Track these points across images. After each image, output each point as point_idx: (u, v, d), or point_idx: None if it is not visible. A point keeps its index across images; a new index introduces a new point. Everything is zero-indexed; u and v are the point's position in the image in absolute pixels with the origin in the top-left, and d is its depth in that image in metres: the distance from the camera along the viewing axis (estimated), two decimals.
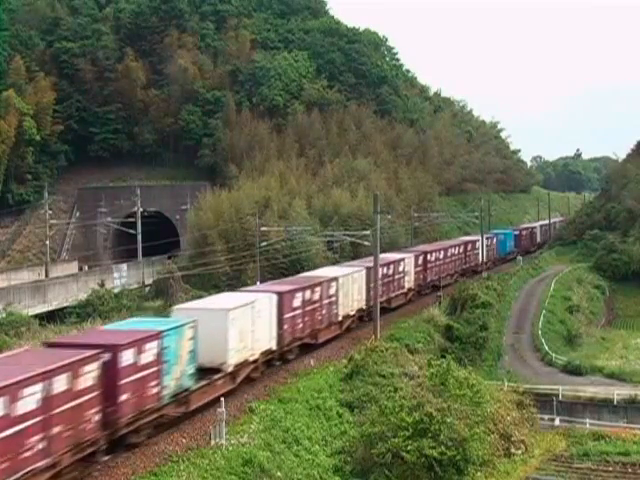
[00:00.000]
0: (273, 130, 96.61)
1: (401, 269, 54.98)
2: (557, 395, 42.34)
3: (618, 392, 42.37)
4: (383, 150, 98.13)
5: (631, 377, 46.70)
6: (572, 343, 58.75)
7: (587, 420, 40.16)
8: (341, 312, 43.84)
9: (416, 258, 59.30)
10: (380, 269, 44.77)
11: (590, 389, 43.72)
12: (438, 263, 64.54)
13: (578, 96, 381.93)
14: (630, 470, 32.47)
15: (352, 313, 46.04)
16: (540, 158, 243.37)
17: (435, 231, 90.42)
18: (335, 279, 43.23)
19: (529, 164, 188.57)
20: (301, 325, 38.25)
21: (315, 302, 40.11)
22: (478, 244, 76.48)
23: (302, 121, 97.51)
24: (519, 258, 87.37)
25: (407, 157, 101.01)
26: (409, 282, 57.12)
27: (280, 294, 36.11)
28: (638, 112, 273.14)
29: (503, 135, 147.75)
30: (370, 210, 54.89)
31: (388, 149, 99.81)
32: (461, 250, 72.42)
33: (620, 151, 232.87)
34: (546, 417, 40.21)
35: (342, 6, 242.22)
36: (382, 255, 50.57)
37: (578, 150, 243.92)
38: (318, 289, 40.66)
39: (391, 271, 52.27)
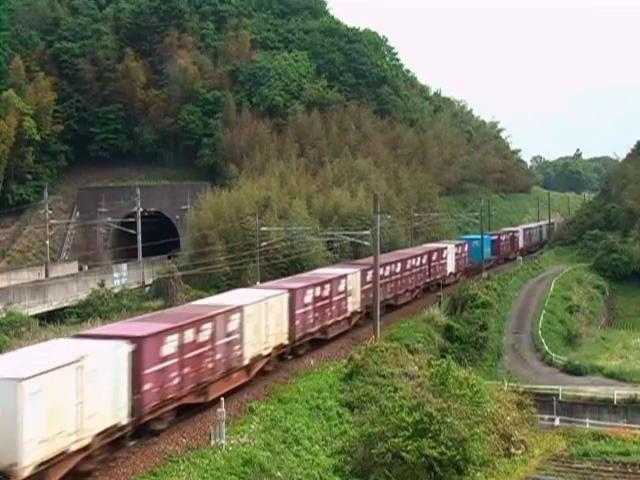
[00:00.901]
0: (273, 130, 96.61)
1: (342, 288, 44.52)
2: (557, 395, 42.36)
3: (618, 392, 42.38)
4: (383, 150, 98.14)
5: (631, 377, 46.72)
6: (572, 343, 58.79)
7: (587, 420, 40.19)
8: (248, 354, 32.97)
9: (363, 274, 47.95)
10: (311, 290, 39.80)
11: (590, 389, 43.73)
12: (394, 278, 53.74)
13: (578, 96, 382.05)
14: (630, 470, 32.46)
15: (266, 352, 34.93)
16: (540, 158, 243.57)
17: (435, 231, 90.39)
18: (238, 309, 32.32)
19: (529, 164, 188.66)
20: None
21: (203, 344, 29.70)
22: (446, 253, 67.13)
23: (302, 121, 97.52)
24: (519, 258, 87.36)
25: (407, 157, 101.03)
26: (354, 304, 46.54)
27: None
28: (638, 112, 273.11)
29: (503, 135, 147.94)
30: (370, 210, 54.90)
31: (388, 149, 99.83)
32: (424, 261, 61.17)
33: (620, 151, 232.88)
34: (546, 417, 40.23)
35: (342, 6, 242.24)
36: (317, 271, 48.27)
37: (578, 150, 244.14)
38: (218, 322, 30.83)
39: (326, 292, 42.23)
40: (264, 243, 62.49)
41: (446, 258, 66.80)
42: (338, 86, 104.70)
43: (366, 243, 53.25)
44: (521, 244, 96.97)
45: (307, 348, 39.86)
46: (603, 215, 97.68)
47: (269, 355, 34.96)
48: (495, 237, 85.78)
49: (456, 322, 52.35)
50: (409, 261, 57.64)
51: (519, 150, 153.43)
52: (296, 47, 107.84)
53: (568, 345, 58.16)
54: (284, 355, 37.27)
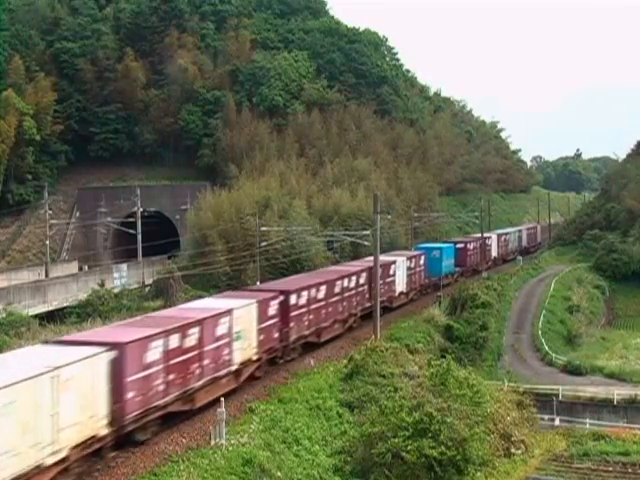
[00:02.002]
0: (273, 130, 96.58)
1: (225, 330, 30.25)
2: (557, 395, 42.38)
3: (618, 392, 42.40)
4: (383, 150, 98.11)
5: (631, 377, 46.77)
6: (572, 343, 58.82)
7: (587, 420, 40.21)
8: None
9: (262, 306, 33.88)
10: (173, 337, 26.72)
11: (590, 389, 43.74)
12: (315, 307, 40.33)
13: (578, 96, 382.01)
14: (630, 470, 32.48)
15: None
16: (540, 158, 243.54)
17: (435, 231, 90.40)
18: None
19: (529, 164, 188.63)
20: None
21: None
22: (394, 268, 53.51)
23: (302, 121, 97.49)
24: (519, 258, 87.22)
25: (407, 157, 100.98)
26: (246, 350, 32.13)
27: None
28: (638, 112, 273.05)
29: (503, 135, 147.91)
30: (370, 210, 54.89)
31: (388, 149, 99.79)
32: (362, 280, 47.62)
33: (620, 151, 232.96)
34: (546, 417, 40.25)
35: (342, 6, 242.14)
36: (184, 307, 33.51)
37: (578, 150, 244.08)
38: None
39: (193, 341, 27.94)
40: (264, 243, 62.47)
41: (394, 275, 53.17)
42: (338, 86, 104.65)
43: (366, 243, 53.24)
44: (494, 252, 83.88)
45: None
46: (603, 215, 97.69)
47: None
48: (460, 245, 72.80)
49: (456, 322, 52.35)
50: (338, 282, 44.03)
51: (519, 150, 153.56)
52: (296, 47, 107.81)
53: (568, 345, 58.18)
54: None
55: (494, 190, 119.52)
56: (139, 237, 74.95)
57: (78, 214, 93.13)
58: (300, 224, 67.46)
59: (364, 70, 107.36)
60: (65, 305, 59.52)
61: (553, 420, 40.53)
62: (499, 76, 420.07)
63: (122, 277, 69.75)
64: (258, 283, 53.69)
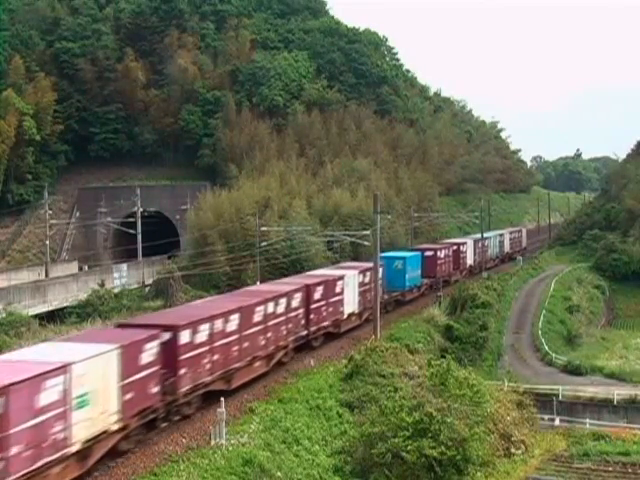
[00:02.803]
0: (273, 130, 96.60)
1: (54, 397, 20.95)
2: (557, 395, 42.37)
3: (618, 392, 42.39)
4: (383, 150, 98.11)
5: (631, 377, 46.78)
6: (572, 343, 58.83)
7: (587, 420, 40.19)
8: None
9: (129, 352, 24.50)
10: None
11: (590, 389, 43.74)
12: (220, 344, 29.97)
13: (578, 96, 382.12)
14: (630, 470, 32.48)
15: None
16: (540, 158, 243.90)
17: (435, 231, 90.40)
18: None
19: (529, 164, 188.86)
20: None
21: None
22: (341, 285, 43.86)
23: (302, 121, 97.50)
24: (519, 258, 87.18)
25: (407, 157, 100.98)
26: (97, 420, 22.92)
27: None
28: (638, 112, 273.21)
29: (503, 135, 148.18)
30: (370, 210, 54.86)
31: (388, 149, 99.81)
32: (295, 303, 37.68)
33: (620, 151, 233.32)
34: (546, 417, 40.23)
35: (342, 6, 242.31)
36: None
37: (578, 150, 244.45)
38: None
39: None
40: (264, 243, 62.46)
41: (342, 293, 43.91)
42: (338, 86, 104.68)
43: (366, 243, 53.16)
44: (470, 260, 74.62)
45: None
46: (603, 215, 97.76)
47: None
48: (429, 253, 63.26)
49: (456, 322, 52.34)
50: (259, 309, 33.78)
51: (519, 150, 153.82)
52: (296, 47, 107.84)
53: (568, 345, 58.19)
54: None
55: (494, 190, 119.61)
56: (139, 237, 74.94)
57: (78, 214, 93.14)
58: (300, 224, 67.45)
59: (364, 70, 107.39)
60: (65, 305, 59.51)
61: (553, 420, 40.52)
62: (499, 76, 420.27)
63: (122, 277, 69.75)
64: (258, 283, 53.67)
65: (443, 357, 39.41)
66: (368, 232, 50.12)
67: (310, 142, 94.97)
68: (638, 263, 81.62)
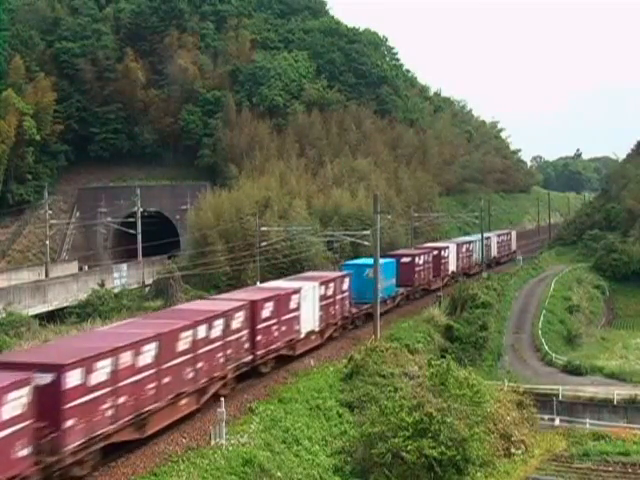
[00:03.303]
0: (273, 130, 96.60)
1: None
2: (557, 395, 42.37)
3: (618, 392, 42.39)
4: (383, 150, 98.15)
5: (631, 377, 46.79)
6: (572, 343, 58.84)
7: (587, 420, 40.19)
8: None
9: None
10: None
11: (590, 389, 43.74)
12: (128, 383, 23.94)
13: (578, 96, 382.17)
14: (630, 470, 32.48)
15: None
16: (540, 158, 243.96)
17: (435, 231, 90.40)
18: None
19: (529, 164, 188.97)
20: None
21: None
22: (297, 300, 37.57)
23: (302, 121, 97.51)
24: (519, 258, 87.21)
25: (407, 157, 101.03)
26: None
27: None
28: (638, 112, 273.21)
29: (503, 135, 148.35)
30: (370, 210, 54.87)
31: (388, 149, 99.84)
32: (236, 324, 31.63)
33: (620, 151, 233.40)
34: (546, 417, 40.23)
35: (342, 6, 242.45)
36: None
37: (578, 150, 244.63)
38: None
39: None
40: (264, 243, 62.47)
41: (297, 309, 37.45)
42: (338, 86, 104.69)
43: (366, 243, 53.18)
44: (452, 266, 69.04)
45: None
46: (603, 215, 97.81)
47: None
48: (406, 259, 57.47)
49: (456, 322, 52.35)
50: (186, 334, 27.46)
51: (519, 150, 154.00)
52: (296, 47, 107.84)
53: (568, 345, 58.20)
54: None
55: (494, 190, 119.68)
56: (139, 237, 74.93)
57: (78, 214, 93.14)
58: (300, 224, 67.46)
59: (364, 70, 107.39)
60: (65, 305, 59.50)
61: (553, 420, 40.52)
62: (499, 76, 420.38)
63: (122, 277, 69.76)
64: (258, 283, 53.62)
65: (443, 357, 39.42)
66: (368, 232, 50.16)
67: (310, 142, 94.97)
68: (638, 263, 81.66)
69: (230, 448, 25.48)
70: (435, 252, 63.88)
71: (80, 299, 58.76)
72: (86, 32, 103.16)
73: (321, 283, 41.35)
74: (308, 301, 38.97)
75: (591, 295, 74.95)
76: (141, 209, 77.69)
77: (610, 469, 32.60)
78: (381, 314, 46.41)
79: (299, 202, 73.57)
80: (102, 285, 62.18)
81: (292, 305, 37.11)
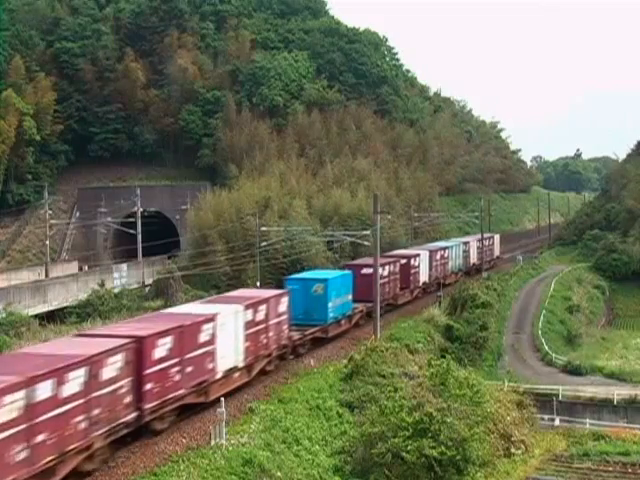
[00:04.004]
0: (273, 130, 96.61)
1: None
2: (557, 395, 42.38)
3: (618, 392, 42.41)
4: (383, 150, 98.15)
5: (631, 377, 46.80)
6: (572, 343, 58.86)
7: (587, 420, 40.19)
8: None
9: None
10: None
11: (590, 389, 43.75)
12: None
13: (578, 96, 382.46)
14: (630, 470, 32.50)
15: None
16: (540, 158, 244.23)
17: (435, 231, 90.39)
18: None
19: (529, 164, 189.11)
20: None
21: None
22: (210, 329, 29.14)
23: (302, 121, 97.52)
24: (519, 258, 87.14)
25: (407, 157, 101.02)
26: None
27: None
28: (638, 112, 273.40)
29: (503, 135, 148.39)
30: (370, 210, 54.85)
31: (388, 149, 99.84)
32: (111, 372, 23.20)
33: (620, 151, 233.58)
34: (546, 417, 40.25)
35: (342, 6, 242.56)
36: None
37: (578, 150, 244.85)
38: None
39: None
40: (264, 243, 62.45)
41: (213, 342, 29.18)
42: (338, 86, 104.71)
43: (366, 243, 53.16)
44: (424, 277, 61.12)
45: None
46: (603, 215, 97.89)
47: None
48: (368, 270, 46.83)
49: (456, 322, 52.32)
50: (11, 398, 19.07)
51: (519, 150, 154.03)
52: (296, 47, 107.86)
53: (568, 345, 58.22)
54: None
55: (494, 190, 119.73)
56: (139, 237, 74.94)
57: (78, 214, 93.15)
58: (300, 224, 67.43)
59: (364, 70, 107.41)
60: (65, 305, 59.48)
61: (553, 420, 40.52)
62: (499, 76, 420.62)
63: (122, 277, 69.73)
64: (258, 283, 53.66)
65: (443, 357, 39.39)
66: (368, 232, 50.13)
67: (310, 142, 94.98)
68: (638, 263, 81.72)
69: (230, 448, 25.48)
70: (403, 261, 56.08)
71: (80, 299, 58.71)
72: (86, 32, 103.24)
73: (248, 306, 32.32)
74: (228, 330, 30.28)
75: (591, 295, 74.97)
76: (141, 209, 77.69)
77: (610, 469, 32.62)
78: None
79: (299, 202, 73.55)
80: (102, 285, 62.13)
81: (203, 337, 28.46)
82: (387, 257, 54.72)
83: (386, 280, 51.01)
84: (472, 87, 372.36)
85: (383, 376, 35.03)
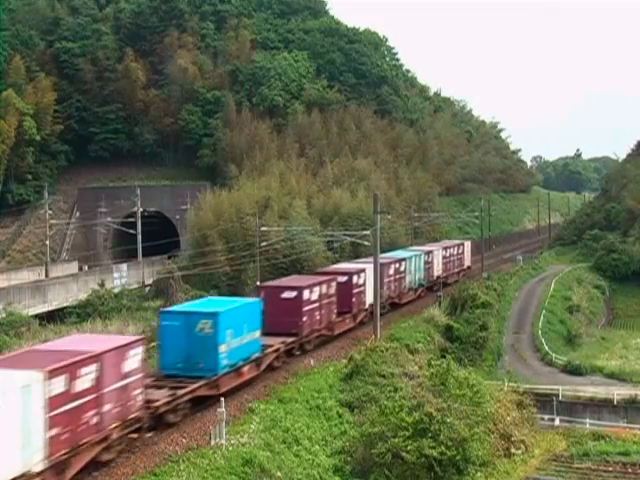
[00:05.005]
0: (273, 130, 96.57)
1: None
2: (557, 395, 42.41)
3: (618, 392, 42.43)
4: (383, 150, 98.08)
5: (631, 377, 46.83)
6: (572, 343, 58.89)
7: (587, 420, 40.22)
8: None
9: None
10: None
11: (590, 389, 43.78)
12: None
13: (578, 96, 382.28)
14: (630, 470, 32.51)
15: None
16: (540, 158, 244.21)
17: (435, 231, 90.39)
18: None
19: (529, 164, 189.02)
20: None
21: None
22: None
23: (302, 121, 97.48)
24: (519, 258, 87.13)
25: (407, 157, 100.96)
26: None
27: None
28: (638, 113, 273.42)
29: (503, 135, 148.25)
30: (370, 210, 54.86)
31: (388, 149, 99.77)
32: None
33: (620, 151, 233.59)
34: (546, 417, 40.27)
35: (342, 6, 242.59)
36: None
37: (578, 150, 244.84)
38: None
39: None
40: (264, 243, 62.44)
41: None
42: (338, 86, 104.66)
43: (366, 243, 53.12)
44: (369, 297, 46.79)
45: None
46: (603, 215, 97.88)
47: None
48: (288, 294, 38.79)
49: (456, 322, 52.35)
50: None
51: (519, 150, 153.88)
52: (296, 47, 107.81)
53: (568, 345, 58.24)
54: None
55: (494, 190, 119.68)
56: (139, 237, 74.96)
57: (78, 214, 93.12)
58: (300, 224, 67.41)
59: (364, 70, 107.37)
60: (65, 305, 59.50)
61: (553, 420, 40.54)
62: (499, 76, 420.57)
63: (122, 277, 69.75)
64: (258, 283, 53.61)
65: (443, 357, 39.44)
66: (368, 232, 50.11)
67: (310, 142, 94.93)
68: (638, 263, 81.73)
69: (230, 448, 25.49)
70: (342, 279, 44.96)
71: (80, 299, 58.75)
72: (86, 32, 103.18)
73: (54, 373, 20.77)
74: (12, 414, 19.36)
75: (591, 295, 74.97)
76: (141, 209, 77.72)
77: (610, 469, 32.64)
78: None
79: (299, 202, 73.53)
80: (102, 285, 62.15)
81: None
82: (320, 275, 45.60)
83: (316, 305, 40.35)
84: (472, 87, 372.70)
85: (383, 376, 35.04)
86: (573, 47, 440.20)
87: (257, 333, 33.73)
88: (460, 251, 73.53)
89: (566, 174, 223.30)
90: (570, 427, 38.79)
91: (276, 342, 35.84)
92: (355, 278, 46.54)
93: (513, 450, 32.64)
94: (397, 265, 55.06)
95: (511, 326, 59.53)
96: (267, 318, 35.63)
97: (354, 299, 46.20)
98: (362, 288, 47.40)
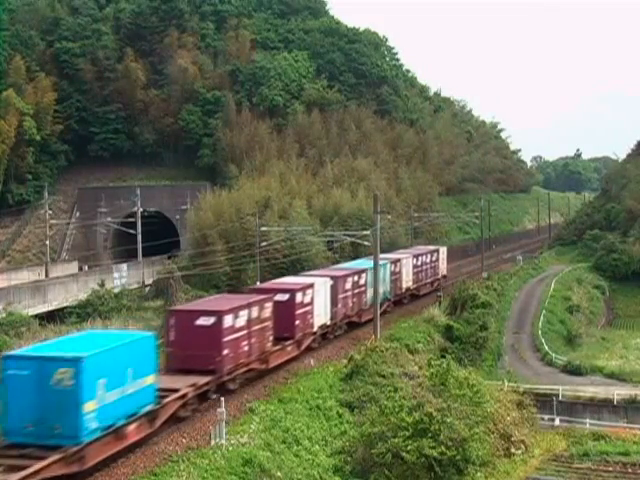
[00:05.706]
0: (273, 130, 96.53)
1: None
2: (557, 395, 42.40)
3: (618, 392, 42.42)
4: (383, 150, 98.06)
5: (631, 377, 46.80)
6: (572, 343, 58.86)
7: (587, 420, 40.21)
8: None
9: None
10: None
11: (590, 389, 43.77)
12: None
13: (578, 96, 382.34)
14: (630, 470, 32.51)
15: None
16: (540, 158, 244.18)
17: (435, 231, 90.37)
18: None
19: (529, 164, 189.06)
20: None
21: None
22: None
23: (302, 121, 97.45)
24: (519, 258, 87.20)
25: (407, 157, 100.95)
26: None
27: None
28: (638, 113, 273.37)
29: (503, 135, 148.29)
30: (370, 210, 54.86)
31: (388, 149, 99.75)
32: None
33: (620, 151, 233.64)
34: (546, 417, 40.26)
35: (342, 6, 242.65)
36: None
37: (578, 150, 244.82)
38: None
39: None
40: (264, 243, 62.45)
41: None
42: (338, 86, 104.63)
43: (366, 243, 53.11)
44: (321, 317, 41.36)
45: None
46: (603, 215, 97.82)
47: None
48: (205, 320, 30.59)
49: (456, 322, 52.33)
50: None
51: (519, 150, 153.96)
52: (296, 47, 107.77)
53: (568, 345, 58.21)
54: None
55: (494, 190, 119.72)
56: (139, 237, 74.94)
57: (78, 214, 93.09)
58: (300, 224, 67.41)
59: (364, 70, 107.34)
60: (65, 305, 59.46)
61: (553, 420, 40.53)
62: (500, 76, 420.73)
63: (122, 277, 69.74)
64: (258, 283, 53.60)
65: (443, 357, 39.45)
66: (368, 232, 50.09)
67: (310, 142, 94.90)
68: (638, 263, 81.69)
69: (230, 448, 25.49)
70: (283, 297, 37.31)
71: (80, 299, 58.72)
72: (86, 32, 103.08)
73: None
74: None
75: (591, 295, 74.95)
76: (141, 209, 77.69)
77: (610, 469, 32.64)
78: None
79: (299, 202, 73.52)
80: (102, 285, 62.13)
81: None
82: (253, 293, 37.85)
83: (243, 333, 32.13)
84: (472, 87, 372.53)
85: (383, 376, 35.04)
86: (573, 47, 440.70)
87: (150, 378, 25.50)
88: (434, 258, 65.07)
89: (566, 174, 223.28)
90: (570, 427, 38.78)
91: (184, 384, 28.11)
92: (299, 296, 38.20)
93: (513, 450, 32.65)
94: (356, 278, 47.06)
95: (511, 326, 59.51)
96: (177, 351, 29.98)
97: (297, 321, 37.83)
98: (309, 307, 39.26)
